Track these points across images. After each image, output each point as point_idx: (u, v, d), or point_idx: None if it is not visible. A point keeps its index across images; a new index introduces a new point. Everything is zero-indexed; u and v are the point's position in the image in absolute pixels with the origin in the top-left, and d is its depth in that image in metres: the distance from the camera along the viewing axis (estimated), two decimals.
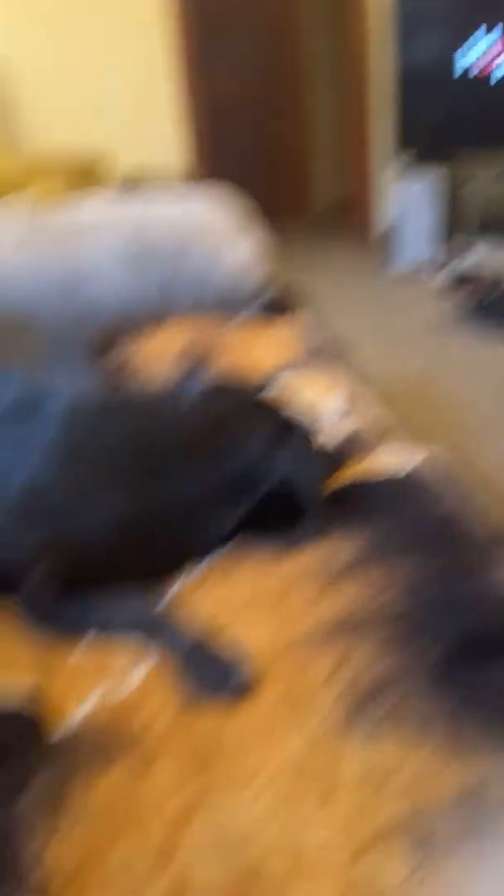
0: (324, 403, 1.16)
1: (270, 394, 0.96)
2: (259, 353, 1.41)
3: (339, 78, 4.69)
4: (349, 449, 1.01)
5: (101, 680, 0.68)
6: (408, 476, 0.96)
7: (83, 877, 0.51)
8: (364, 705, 0.61)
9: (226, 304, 1.55)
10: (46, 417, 0.82)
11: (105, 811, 0.55)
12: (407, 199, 3.64)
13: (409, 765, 0.57)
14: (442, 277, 3.36)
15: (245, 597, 0.76)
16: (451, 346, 2.80)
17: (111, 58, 3.56)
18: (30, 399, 0.84)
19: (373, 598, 0.74)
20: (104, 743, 0.60)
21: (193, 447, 0.83)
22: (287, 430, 0.86)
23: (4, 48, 3.37)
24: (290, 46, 4.80)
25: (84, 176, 3.01)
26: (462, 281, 3.23)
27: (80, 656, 0.72)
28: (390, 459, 0.99)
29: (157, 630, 0.71)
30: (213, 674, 0.64)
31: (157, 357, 1.40)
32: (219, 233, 1.57)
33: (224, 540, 0.83)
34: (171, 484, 0.81)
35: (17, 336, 1.22)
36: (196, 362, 1.38)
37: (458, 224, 3.67)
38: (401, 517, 0.88)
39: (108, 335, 1.42)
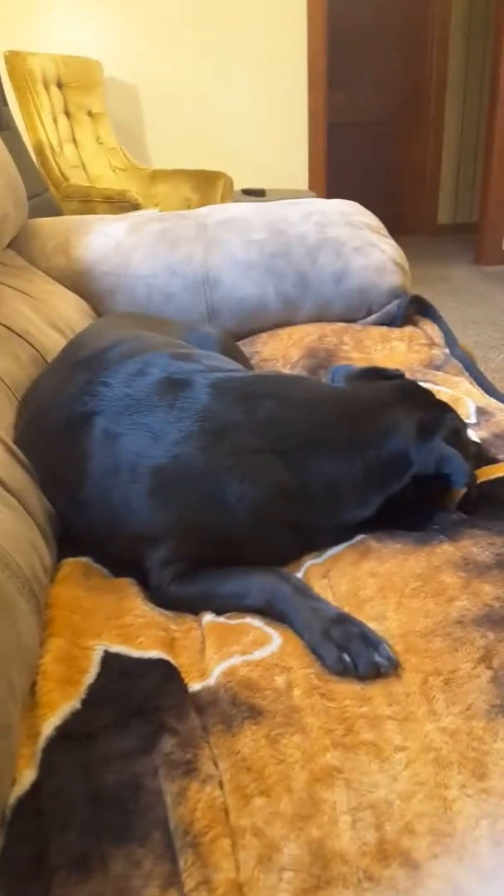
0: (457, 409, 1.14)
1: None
2: (388, 356, 1.41)
3: (472, 99, 4.67)
4: (485, 452, 1.00)
5: (235, 645, 0.69)
6: None
7: (213, 837, 0.51)
8: None
9: (357, 306, 1.56)
10: (191, 397, 0.83)
11: (242, 769, 0.56)
12: None
13: None
14: None
15: (379, 582, 0.76)
16: None
17: (239, 81, 3.68)
18: (175, 379, 0.86)
19: None
20: (244, 699, 0.61)
21: (338, 433, 0.83)
22: (441, 418, 0.86)
23: (137, 71, 3.56)
24: (427, 68, 4.81)
25: (208, 188, 3.11)
26: None
27: (210, 627, 0.74)
28: None
29: (293, 600, 0.72)
30: (356, 647, 0.64)
31: (283, 355, 1.43)
32: (357, 233, 1.59)
33: (362, 525, 0.83)
34: (310, 469, 0.81)
35: (156, 327, 1.27)
36: (322, 361, 1.40)
37: None
38: None
39: (237, 330, 1.46)
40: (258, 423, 0.82)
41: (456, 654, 0.65)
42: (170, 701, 0.61)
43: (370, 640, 0.65)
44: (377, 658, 0.63)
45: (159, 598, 0.79)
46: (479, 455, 0.94)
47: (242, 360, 1.24)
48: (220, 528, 0.79)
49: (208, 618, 0.76)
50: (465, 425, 0.94)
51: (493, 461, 0.98)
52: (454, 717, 0.59)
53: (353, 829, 0.51)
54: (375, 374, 0.97)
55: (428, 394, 0.92)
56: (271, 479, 0.80)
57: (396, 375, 0.98)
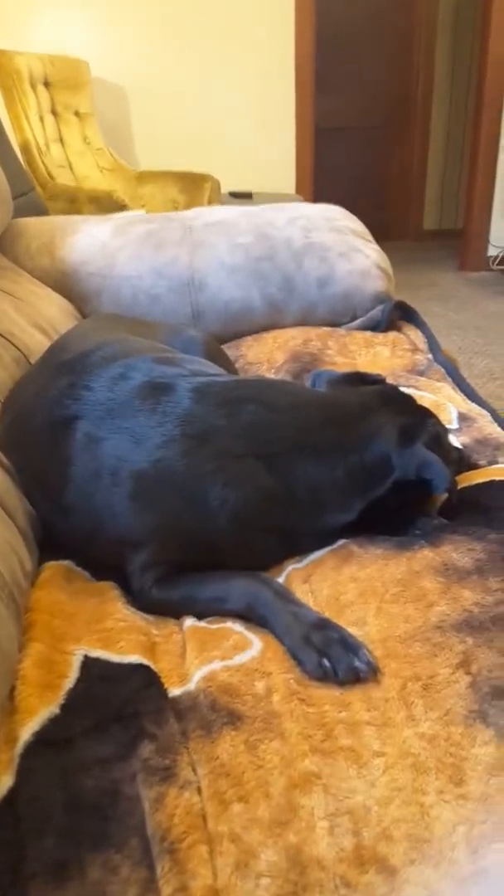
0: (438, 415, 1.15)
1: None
2: (372, 361, 1.42)
3: (458, 105, 4.71)
4: (467, 458, 1.00)
5: (216, 650, 0.69)
6: None
7: (190, 843, 0.51)
8: (494, 702, 0.60)
9: (342, 310, 1.56)
10: (173, 401, 0.83)
11: (220, 775, 0.56)
12: None
13: None
14: None
15: (360, 587, 0.76)
16: None
17: (227, 83, 3.68)
18: (158, 383, 0.85)
19: (494, 606, 0.72)
20: (223, 704, 0.61)
21: (321, 437, 0.83)
22: (422, 424, 0.86)
23: (125, 72, 3.55)
24: (413, 74, 4.84)
25: (195, 190, 3.11)
26: None
27: (191, 631, 0.74)
28: None
29: (274, 605, 0.72)
30: (336, 653, 0.64)
31: (268, 358, 1.43)
32: (342, 238, 1.59)
33: (344, 529, 0.83)
34: (293, 474, 0.81)
35: (140, 329, 1.27)
36: (306, 365, 1.40)
37: None
38: None
39: (222, 333, 1.46)
40: (241, 428, 0.82)
41: (435, 659, 0.65)
42: (149, 706, 0.61)
43: (350, 646, 0.65)
44: (357, 663, 0.63)
45: (141, 602, 0.78)
46: (461, 460, 0.95)
47: (227, 363, 1.24)
48: (201, 533, 0.79)
49: (189, 622, 0.75)
50: (446, 431, 0.94)
51: (475, 467, 0.98)
52: (432, 723, 0.59)
53: (330, 835, 0.51)
54: (358, 379, 0.98)
55: (409, 399, 0.92)
56: (254, 483, 0.80)
57: (378, 381, 0.98)
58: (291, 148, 3.87)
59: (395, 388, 0.95)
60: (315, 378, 1.00)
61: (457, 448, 0.99)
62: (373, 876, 0.49)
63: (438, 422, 0.92)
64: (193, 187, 3.06)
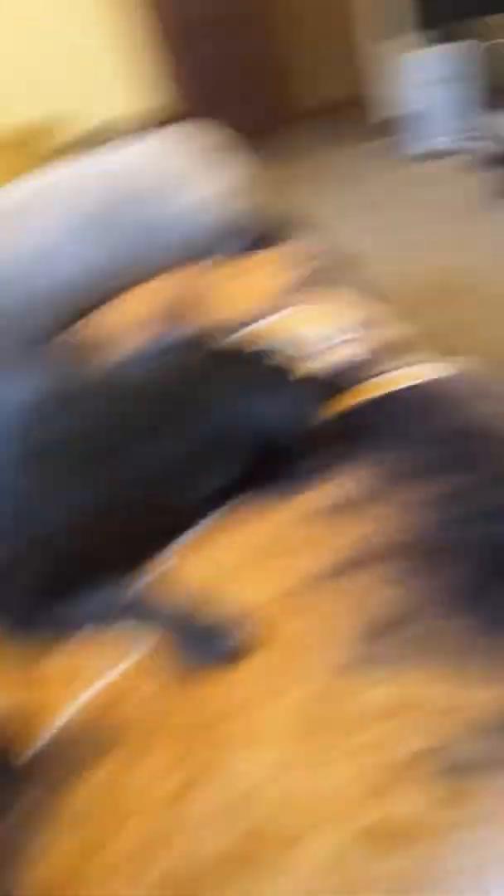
0: (320, 331, 1.15)
1: (248, 336, 0.96)
2: (247, 290, 1.40)
3: None
4: (350, 374, 1.00)
5: (86, 677, 0.70)
6: (426, 388, 0.95)
7: (80, 879, 0.53)
8: (383, 639, 0.62)
9: (202, 248, 1.53)
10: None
11: (98, 807, 0.58)
12: (419, 80, 3.61)
13: (437, 694, 0.58)
14: (462, 161, 3.27)
15: (240, 552, 0.77)
16: (478, 233, 2.71)
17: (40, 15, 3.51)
18: None
19: (381, 532, 0.73)
20: (92, 738, 0.63)
21: (161, 414, 0.85)
22: (262, 373, 0.87)
23: None
24: None
25: (37, 148, 2.98)
26: (486, 162, 3.13)
27: (64, 658, 0.74)
28: (408, 376, 0.98)
29: (136, 611, 0.74)
30: (203, 643, 0.66)
31: (131, 324, 1.40)
32: (182, 173, 1.55)
33: (221, 499, 0.85)
34: (141, 459, 0.83)
35: None
36: (178, 322, 1.38)
37: (477, 102, 3.54)
38: (418, 436, 0.87)
39: (75, 312, 1.43)
40: (77, 429, 0.84)
41: (319, 610, 0.66)
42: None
43: (224, 628, 0.67)
44: (232, 644, 0.66)
45: (18, 633, 0.79)
46: (327, 388, 0.95)
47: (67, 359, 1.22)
48: (62, 546, 0.80)
49: (73, 638, 0.76)
50: (290, 365, 0.94)
51: (352, 383, 0.98)
52: (319, 680, 0.60)
53: (217, 832, 0.53)
54: (191, 345, 0.98)
55: (248, 353, 0.93)
56: (101, 480, 0.81)
57: (215, 340, 0.99)
58: (129, 62, 3.72)
59: (231, 346, 0.95)
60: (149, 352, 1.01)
61: (324, 372, 0.98)
62: (273, 852, 0.51)
63: (280, 361, 0.92)
64: (33, 145, 2.96)
